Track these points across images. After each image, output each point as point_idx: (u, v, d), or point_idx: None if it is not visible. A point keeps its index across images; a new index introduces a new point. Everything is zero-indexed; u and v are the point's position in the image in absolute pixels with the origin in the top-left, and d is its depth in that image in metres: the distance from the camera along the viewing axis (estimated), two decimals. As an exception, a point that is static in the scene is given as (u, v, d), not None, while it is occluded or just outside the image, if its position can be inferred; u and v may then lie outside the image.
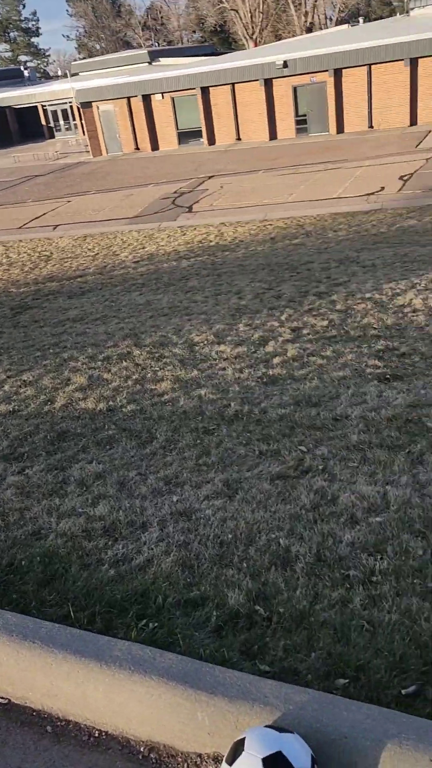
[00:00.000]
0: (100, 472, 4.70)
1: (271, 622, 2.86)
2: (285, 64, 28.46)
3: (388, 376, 6.15)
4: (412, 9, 33.29)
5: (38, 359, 8.02)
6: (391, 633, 2.72)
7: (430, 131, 26.38)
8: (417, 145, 24.51)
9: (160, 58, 39.92)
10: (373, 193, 19.44)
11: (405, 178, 20.52)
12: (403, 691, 2.39)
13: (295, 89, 29.36)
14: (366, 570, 3.19)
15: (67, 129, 45.15)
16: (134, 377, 6.91)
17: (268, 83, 29.44)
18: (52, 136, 45.73)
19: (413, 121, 28.00)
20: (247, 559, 3.41)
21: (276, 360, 6.97)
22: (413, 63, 26.96)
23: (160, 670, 2.45)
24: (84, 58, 57.96)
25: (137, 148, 33.43)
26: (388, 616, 2.81)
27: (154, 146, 33.05)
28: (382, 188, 19.84)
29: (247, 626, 2.87)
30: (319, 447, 4.75)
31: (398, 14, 40.70)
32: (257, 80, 29.37)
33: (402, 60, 26.91)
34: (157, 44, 61.58)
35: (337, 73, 28.14)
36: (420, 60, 26.88)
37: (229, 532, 3.68)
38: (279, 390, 6.13)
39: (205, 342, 7.98)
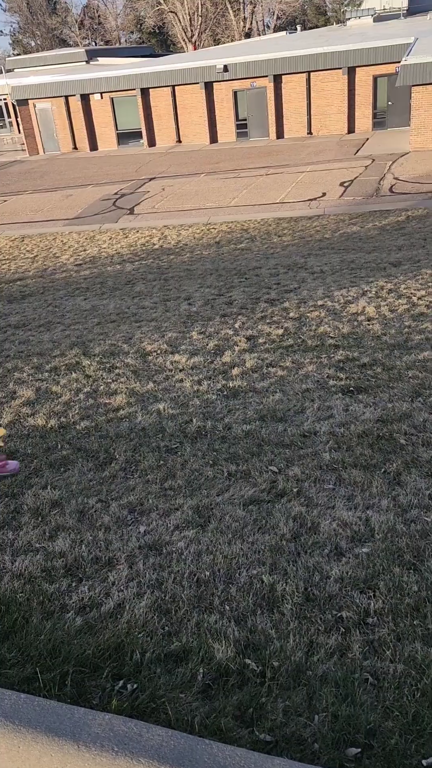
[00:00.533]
0: (56, 500, 4.30)
1: (266, 679, 2.57)
2: (226, 69, 28.37)
3: (352, 389, 5.99)
4: (348, 19, 33.92)
5: (-22, 370, 7.46)
6: (398, 687, 2.48)
7: (367, 139, 26.88)
8: (356, 153, 24.89)
9: (98, 58, 39.12)
10: (315, 199, 19.54)
11: (345, 184, 20.76)
12: (424, 762, 2.15)
13: (235, 93, 29.31)
14: (360, 610, 2.96)
15: (1, 126, 43.64)
16: (86, 390, 6.49)
17: (208, 87, 29.27)
18: (-15, 133, 44.07)
19: (351, 129, 28.46)
20: (228, 600, 3.11)
21: (235, 371, 6.70)
22: (350, 72, 27.41)
23: (150, 750, 2.12)
24: (18, 55, 56.27)
25: (75, 148, 32.57)
26: (393, 667, 2.58)
27: (93, 146, 32.29)
28: (324, 194, 19.99)
29: (239, 684, 2.58)
30: (291, 467, 4.51)
31: (334, 23, 41.44)
32: (198, 83, 29.15)
33: (340, 68, 27.30)
34: (94, 43, 60.45)
35: (277, 79, 28.28)
36: (357, 69, 27.35)
37: (206, 569, 3.37)
38: (241, 404, 5.86)
39: (159, 351, 7.64)
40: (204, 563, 3.42)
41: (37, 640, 2.89)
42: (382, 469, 4.37)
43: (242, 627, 2.90)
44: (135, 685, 2.58)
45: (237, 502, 4.06)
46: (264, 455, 4.76)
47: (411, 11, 32.89)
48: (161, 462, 4.77)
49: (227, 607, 3.05)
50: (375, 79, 27.35)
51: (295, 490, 4.17)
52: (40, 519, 4.07)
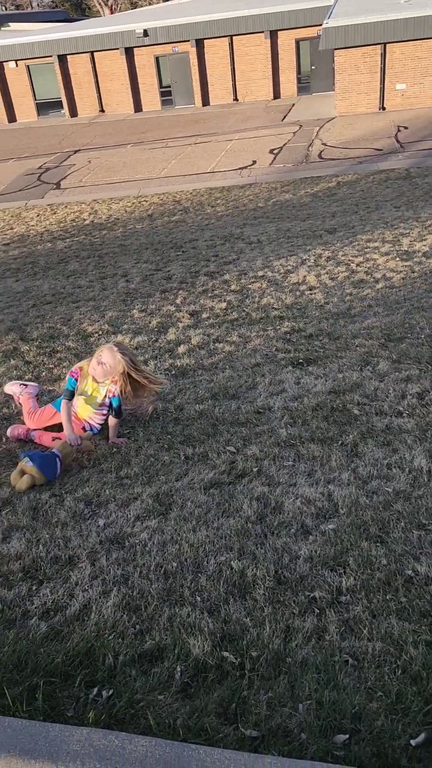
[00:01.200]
0: (6, 498, 4.08)
1: (245, 671, 2.51)
2: (146, 33, 27.48)
3: (301, 361, 5.95)
4: (268, -19, 33.34)
5: None
6: (378, 667, 2.47)
7: (294, 104, 26.75)
8: (283, 119, 24.75)
9: (10, 23, 37.14)
10: (245, 167, 19.35)
11: (275, 151, 20.63)
12: (412, 742, 2.14)
13: (157, 59, 28.50)
14: (332, 589, 2.93)
15: None
16: (27, 377, 6.20)
17: (129, 52, 28.32)
18: None
19: (277, 94, 28.24)
20: (199, 590, 3.03)
21: (181, 349, 6.55)
22: (273, 35, 27.08)
23: (134, 762, 2.01)
24: None
25: (-8, 119, 31.03)
26: (371, 646, 2.56)
27: (11, 118, 30.81)
28: (254, 162, 19.82)
29: (219, 679, 2.50)
30: (249, 446, 4.44)
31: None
32: (118, 49, 28.14)
33: (262, 32, 26.92)
34: (4, 8, 57.25)
35: (200, 44, 27.65)
36: (279, 32, 27.05)
37: (173, 559, 3.27)
38: (191, 382, 5.74)
39: (100, 332, 7.38)
40: (170, 554, 3.32)
41: (0, 653, 2.72)
42: (339, 442, 4.36)
43: (216, 618, 2.82)
44: (111, 691, 2.47)
45: (197, 487, 3.96)
46: (220, 435, 4.67)
47: (329, -28, 32.66)
48: (114, 449, 4.60)
49: (198, 598, 2.97)
50: (297, 42, 27.14)
51: (255, 469, 4.10)
52: (-10, 520, 3.85)
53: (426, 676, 2.39)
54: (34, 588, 3.19)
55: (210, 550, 3.31)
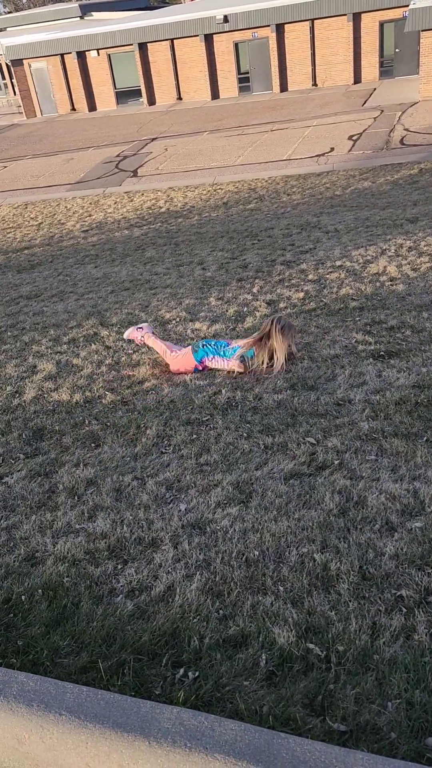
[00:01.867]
0: (91, 478, 4.20)
1: (331, 664, 2.49)
2: (225, 19, 27.33)
3: (382, 353, 5.82)
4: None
5: (-5, 344, 7.32)
6: (472, 670, 2.40)
7: (375, 89, 26.01)
8: (363, 104, 24.11)
9: (93, 13, 37.75)
10: (323, 154, 19.00)
11: (354, 138, 20.15)
12: None
13: (236, 45, 28.31)
14: (420, 589, 2.86)
15: (-5, 87, 42.49)
16: (107, 362, 6.35)
17: (208, 39, 28.26)
18: (-22, 95, 43.01)
19: (357, 79, 27.54)
20: (281, 580, 3.02)
21: (259, 338, 6.53)
22: (356, 18, 26.36)
23: (224, 745, 2.05)
24: (9, 13, 54.36)
25: (73, 109, 31.69)
26: (463, 648, 2.50)
27: (92, 107, 31.41)
28: (332, 149, 19.42)
29: (304, 670, 2.50)
30: (329, 438, 4.39)
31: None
32: (197, 36, 28.13)
33: (345, 15, 26.26)
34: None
35: (280, 29, 27.26)
36: (362, 15, 26.30)
37: (254, 548, 3.28)
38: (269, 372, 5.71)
39: (178, 319, 7.46)
40: (251, 542, 3.33)
41: (89, 627, 2.82)
42: (425, 438, 4.24)
43: (300, 609, 2.81)
44: (197, 674, 2.51)
45: (277, 477, 3.95)
46: (299, 426, 4.63)
47: None
48: (194, 436, 4.65)
49: (281, 588, 2.97)
50: (381, 25, 26.30)
51: (336, 462, 4.06)
52: (76, 499, 3.98)
53: None
54: (119, 567, 3.27)
55: (292, 540, 3.30)
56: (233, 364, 5.64)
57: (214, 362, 5.73)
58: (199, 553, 3.29)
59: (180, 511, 3.72)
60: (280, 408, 4.98)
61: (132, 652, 2.65)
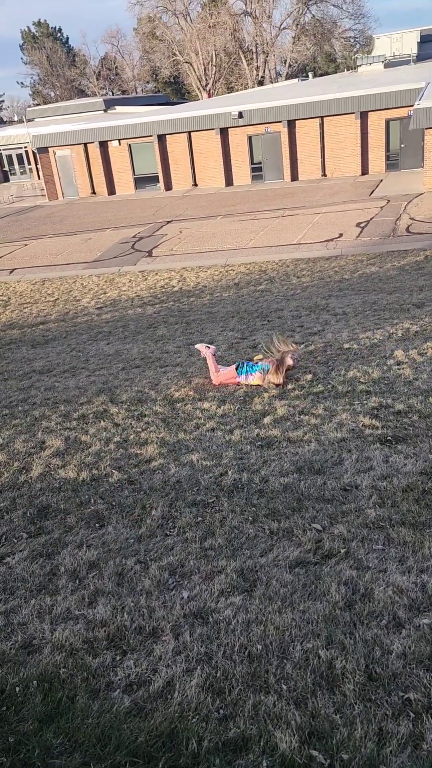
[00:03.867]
0: (93, 560, 4.14)
1: (336, 774, 2.37)
2: (240, 115, 29.03)
3: (389, 438, 5.82)
4: (359, 66, 34.74)
5: (6, 418, 7.39)
6: None
7: (381, 180, 27.19)
8: (370, 194, 25.14)
9: (116, 107, 40.30)
10: (332, 240, 19.65)
11: (362, 225, 20.89)
12: None
13: (250, 138, 29.92)
14: (428, 692, 2.75)
15: (22, 173, 44.82)
16: (115, 440, 6.38)
17: (223, 132, 29.93)
18: (7, 180, 45.33)
19: (365, 171, 28.84)
20: (285, 678, 2.92)
21: (267, 420, 6.57)
22: (363, 116, 27.92)
23: None
24: (38, 105, 58.15)
25: (94, 193, 33.28)
26: None
27: (111, 191, 32.97)
28: (341, 235, 20.11)
29: (307, 780, 2.38)
30: (336, 525, 4.33)
31: (345, 70, 42.49)
32: (213, 129, 29.83)
33: (353, 113, 27.83)
34: (111, 93, 62.40)
35: (291, 124, 28.87)
36: (369, 113, 27.87)
37: (257, 641, 3.19)
38: (276, 454, 5.72)
39: (187, 398, 7.54)
40: (254, 635, 3.24)
41: (84, 724, 2.71)
42: (432, 528, 4.18)
43: (303, 711, 2.70)
44: (194, 780, 2.39)
45: (282, 564, 3.89)
46: (305, 511, 4.59)
47: (420, 57, 33.66)
48: (199, 518, 4.61)
49: (284, 687, 2.86)
50: (387, 122, 27.82)
51: (342, 550, 3.99)
52: (78, 582, 3.91)
53: None
54: (118, 658, 3.18)
55: (296, 635, 3.21)
56: (258, 377, 7.67)
57: (249, 378, 7.70)
58: (201, 646, 3.20)
59: (182, 598, 3.64)
60: (287, 491, 4.94)
61: (127, 754, 2.53)
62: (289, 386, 7.69)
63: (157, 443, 6.16)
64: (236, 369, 7.78)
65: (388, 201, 23.40)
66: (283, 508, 4.67)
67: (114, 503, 4.97)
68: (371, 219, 21.37)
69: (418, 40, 33.29)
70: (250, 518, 4.55)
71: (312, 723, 2.63)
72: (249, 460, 5.61)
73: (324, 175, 29.45)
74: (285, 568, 3.84)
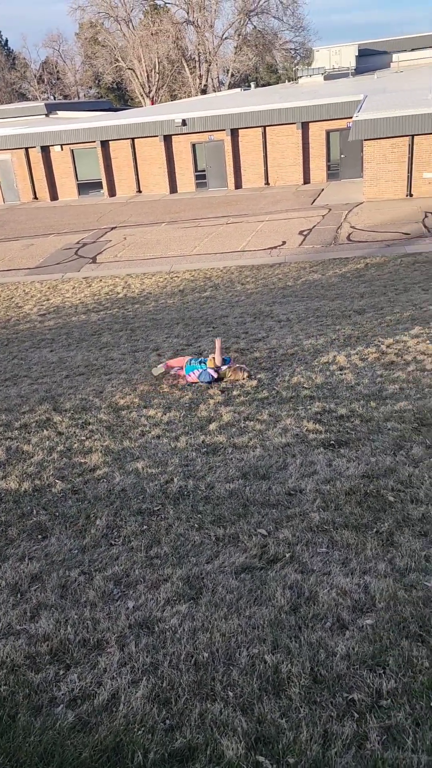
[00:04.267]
0: (36, 573, 4.04)
1: (282, 778, 2.38)
2: (184, 122, 29.13)
3: (332, 442, 5.93)
4: (300, 77, 35.44)
5: None
6: (426, 782, 2.32)
7: (323, 189, 27.77)
8: (312, 202, 25.64)
9: (58, 111, 39.76)
10: (275, 247, 19.92)
11: (304, 232, 21.27)
12: None
13: (194, 146, 30.05)
14: (372, 692, 2.80)
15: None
16: (59, 449, 6.26)
17: (167, 139, 29.95)
18: None
19: (306, 180, 29.39)
20: (231, 685, 2.91)
21: (212, 426, 6.58)
22: (304, 126, 28.48)
23: None
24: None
25: (35, 198, 32.68)
26: (416, 758, 2.42)
27: (54, 196, 32.45)
28: (284, 242, 20.42)
29: (254, 786, 2.37)
30: (281, 529, 4.37)
31: (286, 81, 43.26)
32: (157, 136, 29.81)
33: (294, 123, 28.35)
34: (53, 97, 61.54)
35: (234, 133, 29.16)
36: (310, 124, 28.45)
37: (204, 649, 3.17)
38: (222, 461, 5.73)
39: (132, 406, 7.47)
40: (201, 642, 3.22)
41: (26, 743, 2.63)
42: (374, 529, 4.27)
43: (250, 717, 2.70)
44: (140, 794, 2.35)
45: (228, 571, 3.89)
46: (251, 516, 4.61)
47: (359, 71, 34.62)
48: (144, 527, 4.57)
49: (231, 694, 2.86)
50: (328, 133, 28.46)
51: (287, 555, 4.02)
52: (19, 596, 3.80)
53: None
54: (61, 672, 3.10)
55: (242, 641, 3.21)
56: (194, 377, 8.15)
57: (189, 377, 8.13)
58: (146, 656, 3.16)
59: (128, 609, 3.59)
60: (232, 497, 4.96)
61: (71, 770, 2.47)
62: (234, 392, 7.73)
63: (101, 452, 6.07)
64: (187, 363, 8.33)
65: (330, 210, 23.91)
66: (229, 514, 4.68)
67: (57, 514, 4.87)
68: (313, 227, 21.78)
69: (356, 54, 34.24)
70: (195, 525, 4.53)
71: (258, 729, 2.63)
72: (195, 466, 5.60)
73: (267, 183, 29.87)
74: (231, 574, 3.84)
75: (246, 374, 8.14)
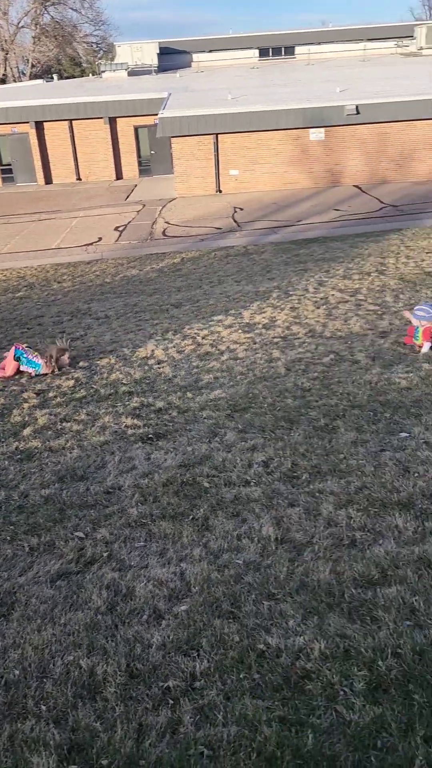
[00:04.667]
0: None
1: (96, 783, 2.32)
2: (-18, 113, 27.50)
3: (150, 436, 5.96)
4: (104, 71, 35.08)
5: None
6: (234, 754, 2.40)
7: (136, 185, 27.85)
8: (126, 198, 25.61)
9: None
10: (91, 244, 19.62)
11: (120, 228, 21.19)
12: None
13: (-4, 138, 28.52)
14: (186, 675, 2.85)
15: None
16: None
17: (-33, 131, 28.10)
18: None
19: (119, 176, 29.27)
20: (44, 698, 2.79)
21: (26, 431, 6.29)
22: (112, 121, 28.29)
23: None
24: None
25: None
26: (226, 732, 2.50)
27: None
28: (100, 239, 20.17)
29: (67, 798, 2.29)
30: (99, 529, 4.29)
31: (90, 74, 42.58)
32: None
33: (102, 118, 28.04)
34: None
35: (39, 126, 28.12)
36: (118, 119, 28.33)
37: (14, 667, 3.01)
38: (37, 466, 5.49)
39: None
40: (11, 660, 3.05)
41: None
42: (190, 516, 4.36)
43: (63, 727, 2.61)
44: None
45: (43, 580, 3.73)
46: (68, 521, 4.47)
47: (161, 68, 35.09)
48: None
49: (44, 707, 2.74)
50: (136, 129, 28.56)
51: (105, 554, 3.96)
52: None
53: (280, 755, 2.37)
54: None
55: (57, 650, 3.10)
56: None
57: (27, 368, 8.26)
58: None
59: None
60: (48, 503, 4.77)
61: None
62: (51, 394, 7.46)
63: None
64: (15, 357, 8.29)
65: (144, 206, 24.05)
66: (45, 521, 4.50)
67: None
68: (129, 223, 21.76)
69: (158, 52, 34.67)
70: (7, 538, 4.29)
71: (72, 737, 2.55)
72: (7, 476, 5.31)
73: (79, 178, 29.26)
74: (46, 584, 3.70)
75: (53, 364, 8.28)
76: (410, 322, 8.26)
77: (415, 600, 3.19)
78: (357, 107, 23.06)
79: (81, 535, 4.24)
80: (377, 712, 2.50)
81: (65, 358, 8.47)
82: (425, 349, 7.81)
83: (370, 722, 2.45)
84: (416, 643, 2.88)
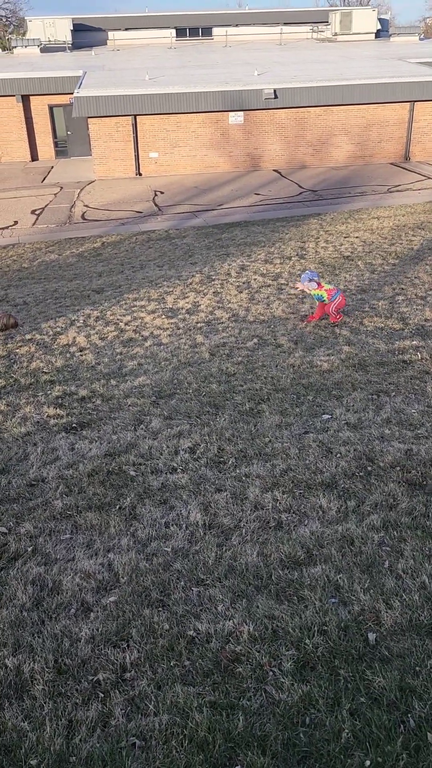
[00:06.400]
0: None
1: (26, 785, 2.27)
2: None
3: (74, 425, 5.83)
4: (15, 47, 33.60)
5: None
6: (166, 742, 2.40)
7: (52, 167, 26.96)
8: (42, 180, 24.77)
9: None
10: (7, 227, 18.89)
11: (37, 212, 20.50)
12: None
13: None
14: (116, 667, 2.82)
15: None
16: None
17: None
18: None
19: (35, 157, 28.25)
20: (-31, 704, 2.69)
21: None
22: (25, 100, 27.20)
23: None
24: None
25: None
26: (157, 720, 2.50)
27: None
28: (16, 222, 19.45)
29: (-5, 803, 2.22)
30: (22, 523, 4.17)
31: (0, 50, 40.68)
32: None
33: (13, 96, 26.90)
34: None
35: None
36: (31, 97, 27.26)
37: None
38: None
39: None
40: None
41: None
42: (117, 506, 4.30)
43: (-11, 731, 2.53)
44: None
45: (-36, 581, 3.59)
46: (-11, 516, 4.31)
47: (75, 45, 33.99)
48: None
49: (-32, 714, 2.64)
50: (51, 108, 27.58)
51: (29, 549, 3.85)
52: None
53: (212, 740, 2.39)
54: None
55: (-20, 652, 2.99)
56: None
57: None
58: None
59: None
60: (-33, 501, 4.58)
61: None
62: (-33, 385, 7.15)
63: None
64: None
65: (62, 188, 23.34)
66: (-36, 517, 4.32)
67: None
68: (46, 206, 21.08)
69: (71, 28, 33.54)
70: None
71: (-1, 741, 2.47)
72: None
73: (-8, 159, 28.02)
74: (-33, 584, 3.55)
75: None
76: (303, 292, 9.03)
77: (339, 577, 3.29)
78: (275, 91, 23.20)
79: (3, 530, 4.11)
80: (305, 690, 2.57)
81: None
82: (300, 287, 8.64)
83: (298, 700, 2.52)
84: (341, 620, 2.98)
